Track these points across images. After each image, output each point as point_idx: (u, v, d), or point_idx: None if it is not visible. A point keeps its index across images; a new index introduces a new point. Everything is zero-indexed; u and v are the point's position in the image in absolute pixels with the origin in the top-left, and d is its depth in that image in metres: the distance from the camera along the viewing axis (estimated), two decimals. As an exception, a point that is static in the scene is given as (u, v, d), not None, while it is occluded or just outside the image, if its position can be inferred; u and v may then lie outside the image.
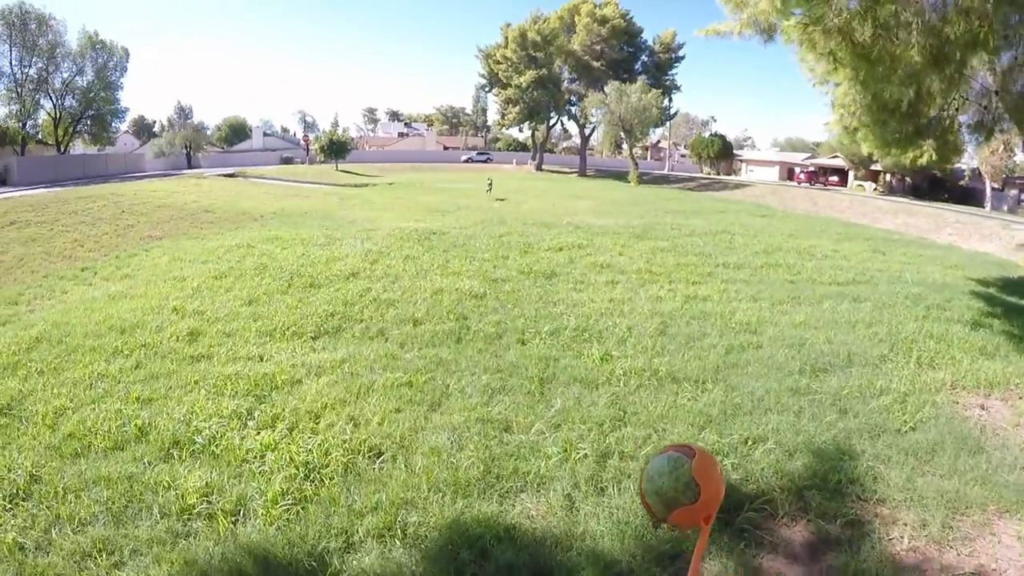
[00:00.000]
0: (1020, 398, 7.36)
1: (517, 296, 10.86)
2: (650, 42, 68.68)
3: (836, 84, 12.44)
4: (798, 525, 4.73)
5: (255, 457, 5.32)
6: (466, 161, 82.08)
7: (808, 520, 4.74)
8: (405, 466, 5.21)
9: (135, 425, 5.89)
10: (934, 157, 14.66)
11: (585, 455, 5.41)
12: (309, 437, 5.62)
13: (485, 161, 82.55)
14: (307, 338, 8.41)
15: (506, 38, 65.04)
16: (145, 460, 5.34)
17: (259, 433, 5.68)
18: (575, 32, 64.82)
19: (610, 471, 5.22)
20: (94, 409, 6.33)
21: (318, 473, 5.07)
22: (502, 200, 33.17)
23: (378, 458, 5.37)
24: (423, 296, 10.54)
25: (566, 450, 5.47)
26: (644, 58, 68.46)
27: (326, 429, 5.78)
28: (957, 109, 14.64)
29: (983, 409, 7.04)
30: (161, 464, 5.29)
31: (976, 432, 6.32)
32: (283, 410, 6.14)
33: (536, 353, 7.91)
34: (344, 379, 6.95)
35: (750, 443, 5.82)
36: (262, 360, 7.58)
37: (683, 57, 69.04)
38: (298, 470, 5.08)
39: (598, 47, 63.69)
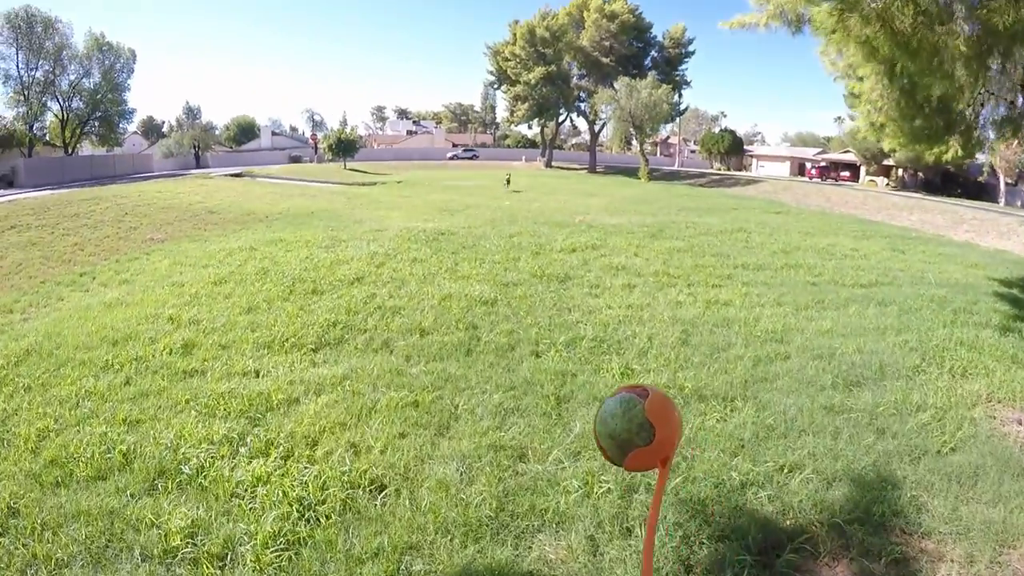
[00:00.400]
0: (1060, 412, 6.90)
1: (530, 302, 10.33)
2: (660, 37, 68.05)
3: (862, 78, 11.95)
4: (840, 565, 4.30)
5: (246, 491, 4.82)
6: (451, 158, 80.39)
7: (851, 559, 4.33)
8: (410, 502, 4.69)
9: (120, 451, 5.41)
10: (959, 153, 14.19)
11: (608, 489, 4.88)
12: (305, 468, 5.11)
13: (471, 158, 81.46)
14: (307, 350, 7.89)
15: (514, 35, 64.63)
16: (128, 492, 4.86)
17: (251, 462, 5.18)
18: (584, 28, 64.23)
19: (636, 508, 4.69)
20: (79, 431, 5.87)
21: (314, 511, 4.55)
22: (518, 192, 34.39)
23: (380, 493, 4.85)
24: (431, 303, 10.03)
25: (587, 483, 4.94)
26: (654, 53, 67.82)
27: (324, 458, 5.26)
28: (982, 104, 14.17)
29: (1021, 424, 6.63)
30: (145, 497, 4.82)
31: (1017, 451, 5.94)
32: (278, 434, 5.63)
33: (551, 367, 7.37)
34: (345, 398, 6.44)
35: (786, 471, 5.35)
36: (258, 376, 7.08)
37: (693, 52, 68.39)
38: (292, 507, 4.57)
39: (607, 43, 63.08)
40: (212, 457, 5.29)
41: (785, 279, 13.32)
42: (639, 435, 1.68)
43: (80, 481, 5.07)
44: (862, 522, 4.66)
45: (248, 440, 5.56)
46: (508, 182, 42.25)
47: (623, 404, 1.72)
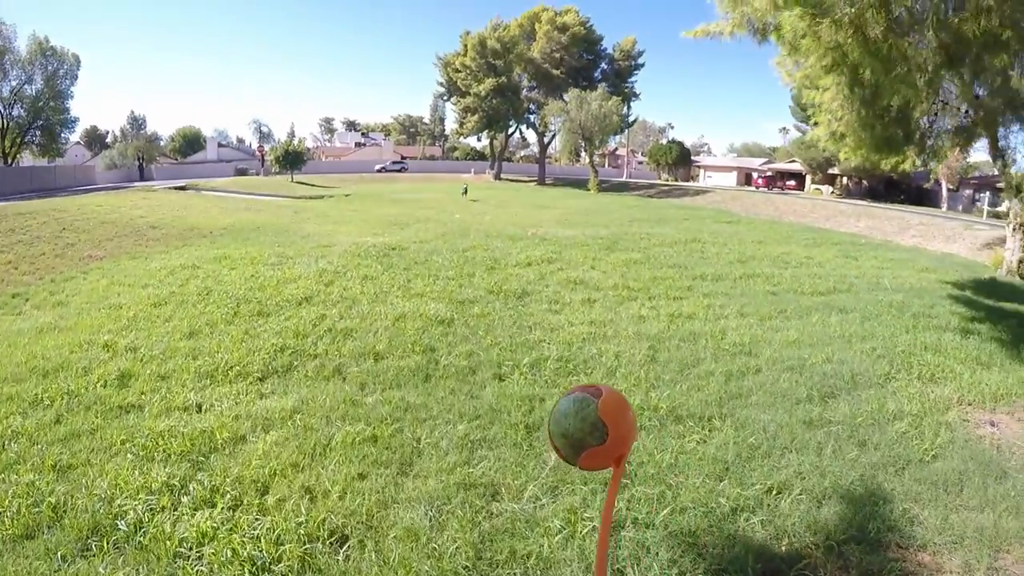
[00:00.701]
0: (1025, 409, 7.20)
1: (488, 321, 9.86)
2: (610, 50, 68.60)
3: (822, 88, 11.92)
4: (842, 588, 4.06)
5: (191, 550, 4.19)
6: (379, 170, 77.84)
7: None
8: (376, 555, 4.15)
9: (49, 504, 4.71)
10: (916, 163, 14.32)
11: (594, 527, 4.46)
12: (256, 519, 4.51)
13: (400, 170, 79.39)
14: (253, 379, 7.23)
15: (465, 46, 64.30)
16: (59, 554, 4.19)
17: (195, 514, 4.55)
18: (535, 40, 64.42)
19: (626, 547, 4.29)
20: (3, 481, 5.14)
21: (269, 572, 3.99)
22: (475, 201, 34.45)
23: (342, 545, 4.28)
24: (384, 324, 9.46)
25: (570, 521, 4.50)
26: (604, 66, 68.35)
27: (276, 507, 4.66)
28: (936, 114, 14.35)
29: (993, 426, 6.78)
30: (78, 560, 4.15)
31: (994, 453, 6.05)
32: (224, 480, 5.01)
33: (517, 392, 6.90)
34: (296, 434, 5.83)
35: (775, 493, 5.13)
36: (200, 411, 6.40)
37: (643, 64, 69.19)
38: (243, 568, 3.98)
39: (558, 55, 63.34)
40: (151, 509, 4.65)
41: (745, 289, 13.20)
42: (592, 435, 1.68)
43: (5, 541, 4.40)
44: (858, 540, 4.55)
45: (191, 488, 4.91)
46: (466, 192, 44.38)
47: (576, 404, 1.72)
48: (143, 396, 6.78)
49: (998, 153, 16.75)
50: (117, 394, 6.83)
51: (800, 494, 5.09)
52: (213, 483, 4.99)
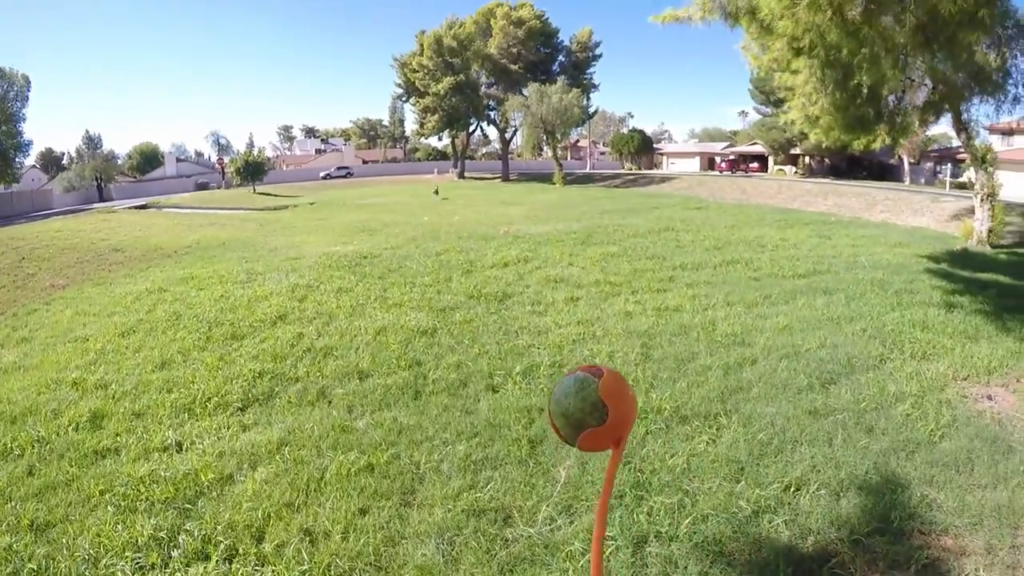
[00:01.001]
0: (1018, 380, 7.35)
1: (472, 328, 9.53)
2: (567, 42, 68.45)
3: (795, 71, 11.81)
4: (873, 582, 3.98)
5: None
6: (324, 177, 74.80)
7: (882, 573, 4.13)
8: (388, 601, 3.85)
9: (30, 572, 4.30)
10: (887, 140, 14.35)
11: (617, 547, 4.21)
12: (255, 570, 4.14)
13: (345, 176, 76.56)
14: (234, 410, 6.80)
15: (421, 45, 63.65)
16: None
17: (188, 570, 4.16)
18: (491, 35, 64.05)
19: (654, 565, 4.06)
20: None
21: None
22: (446, 199, 33.71)
23: (352, 594, 3.96)
24: (365, 339, 9.07)
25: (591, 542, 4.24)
26: (562, 58, 68.21)
27: (276, 554, 4.29)
28: (903, 91, 14.39)
29: (991, 400, 6.85)
30: None
31: (996, 428, 6.10)
32: (215, 528, 4.61)
33: (513, 404, 6.59)
34: (287, 469, 5.44)
35: (793, 490, 5.02)
36: (181, 450, 5.97)
37: (600, 55, 69.20)
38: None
39: (515, 49, 63.07)
40: (141, 568, 4.25)
41: (727, 277, 13.09)
42: (592, 415, 1.65)
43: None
44: (881, 532, 4.49)
45: (181, 539, 4.50)
46: (437, 192, 46.37)
47: (577, 383, 1.69)
48: (118, 438, 6.32)
49: (961, 126, 16.94)
50: (91, 437, 6.36)
51: (818, 489, 5.00)
52: (204, 532, 4.61)
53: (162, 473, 5.46)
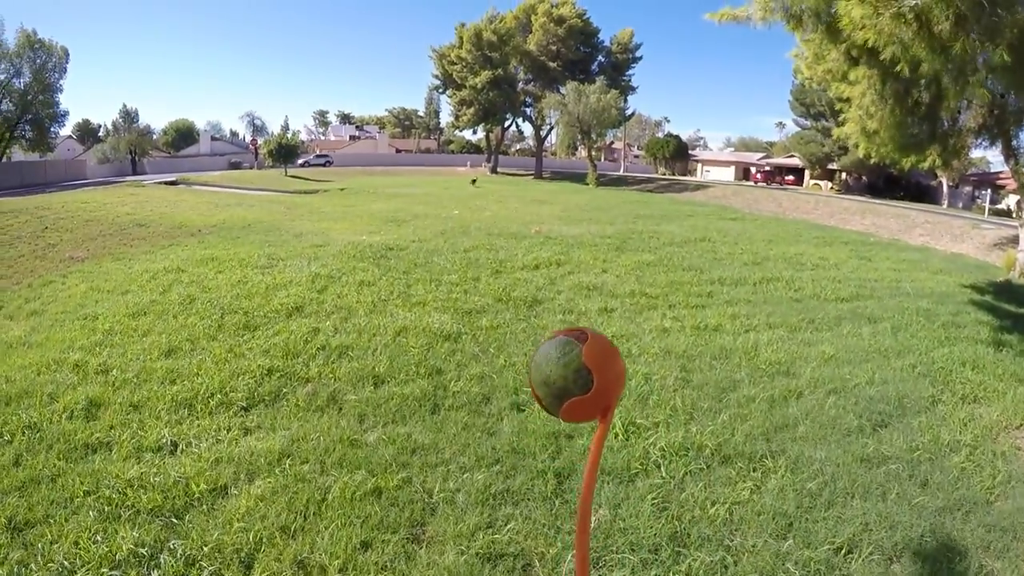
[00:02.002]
0: (1074, 435, 6.76)
1: (499, 335, 8.94)
2: (607, 42, 67.73)
3: (852, 82, 11.16)
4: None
5: None
6: (303, 165, 68.92)
7: None
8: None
9: None
10: (938, 162, 13.68)
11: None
12: (236, 606, 3.65)
13: (324, 165, 71.81)
14: (237, 410, 6.30)
15: (461, 38, 63.37)
16: None
17: None
18: (531, 32, 63.63)
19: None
20: None
21: None
22: (479, 188, 33.03)
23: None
24: (383, 340, 8.50)
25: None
26: (601, 58, 67.58)
27: None
28: (959, 111, 13.72)
29: None
30: None
31: None
32: (201, 548, 4.09)
33: (539, 427, 6.00)
34: (286, 485, 4.90)
35: (844, 552, 4.44)
36: (176, 451, 5.48)
37: (640, 58, 68.52)
38: None
39: (554, 47, 62.50)
40: (114, 589, 3.78)
41: (767, 296, 12.45)
42: (575, 382, 1.53)
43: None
44: None
45: (162, 559, 4.00)
46: (474, 182, 49.86)
47: (559, 348, 1.57)
48: (112, 431, 5.85)
49: (1011, 152, 16.25)
50: (84, 428, 5.89)
51: (871, 553, 4.44)
52: (188, 552, 4.09)
53: (152, 477, 4.96)
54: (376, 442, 5.67)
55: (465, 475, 5.15)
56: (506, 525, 4.49)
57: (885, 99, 10.62)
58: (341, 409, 6.41)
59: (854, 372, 8.17)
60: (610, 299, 11.30)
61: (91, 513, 4.55)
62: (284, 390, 6.81)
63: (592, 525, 4.50)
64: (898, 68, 7.94)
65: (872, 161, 14.87)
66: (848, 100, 12.26)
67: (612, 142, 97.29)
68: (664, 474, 5.31)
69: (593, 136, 59.57)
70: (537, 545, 4.28)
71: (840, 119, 12.83)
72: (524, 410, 6.48)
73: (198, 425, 5.96)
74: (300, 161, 69.88)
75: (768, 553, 4.35)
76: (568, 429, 5.92)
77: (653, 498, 4.92)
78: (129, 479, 4.97)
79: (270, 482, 4.93)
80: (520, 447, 5.62)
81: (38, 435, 5.78)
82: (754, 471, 5.50)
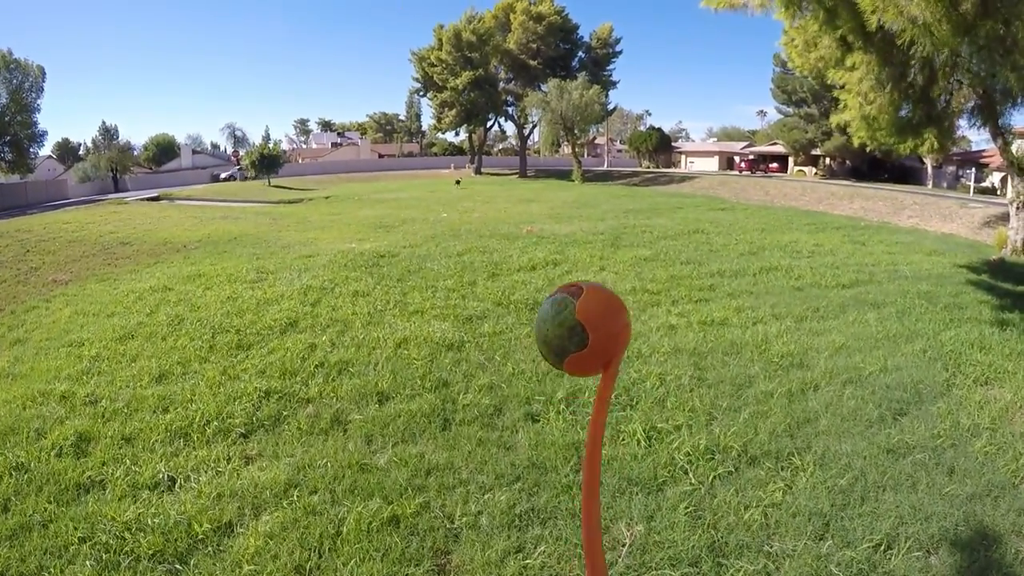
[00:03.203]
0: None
1: (503, 342, 8.65)
2: (587, 38, 67.62)
3: (852, 67, 11.00)
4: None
5: None
6: (226, 180, 63.80)
7: None
8: None
9: None
10: (935, 145, 13.61)
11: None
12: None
13: (246, 178, 64.57)
14: (236, 437, 5.95)
15: (440, 40, 63.08)
16: None
17: None
18: (511, 31, 63.37)
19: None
20: None
21: None
22: (463, 189, 32.74)
23: None
24: (384, 353, 8.16)
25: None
26: (581, 54, 67.45)
27: None
28: (951, 93, 13.68)
29: None
30: None
31: None
32: None
33: (558, 438, 5.70)
34: (296, 519, 4.56)
35: (884, 548, 4.31)
36: (173, 488, 5.13)
37: (620, 52, 68.43)
38: None
39: (534, 45, 62.27)
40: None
41: (768, 286, 12.27)
42: (571, 340, 1.48)
43: None
44: None
45: None
46: (458, 182, 51.00)
47: (554, 306, 1.53)
48: (104, 468, 5.49)
49: (999, 131, 16.28)
50: (74, 466, 5.54)
51: (910, 547, 4.32)
52: (193, 603, 3.78)
53: (150, 519, 4.61)
54: (387, 465, 5.34)
55: (486, 495, 4.84)
56: (536, 548, 4.20)
57: (883, 84, 10.45)
58: (346, 430, 6.09)
59: (866, 360, 8.02)
60: (612, 297, 11.05)
61: (88, 563, 4.21)
62: (284, 413, 6.48)
63: (627, 542, 4.24)
64: (912, 52, 7.76)
65: (868, 148, 14.75)
66: (843, 87, 12.14)
67: (595, 137, 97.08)
68: (693, 480, 5.07)
69: (576, 132, 59.34)
70: (572, 568, 4.00)
71: (840, 105, 12.65)
72: (539, 420, 6.19)
73: (195, 456, 5.62)
74: (223, 175, 67.49)
75: (809, 556, 4.16)
76: (586, 437, 5.65)
77: (686, 507, 4.67)
78: (126, 521, 4.63)
79: (278, 516, 4.60)
80: (540, 461, 5.33)
81: (27, 476, 5.42)
82: (783, 470, 5.31)
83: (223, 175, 65.54)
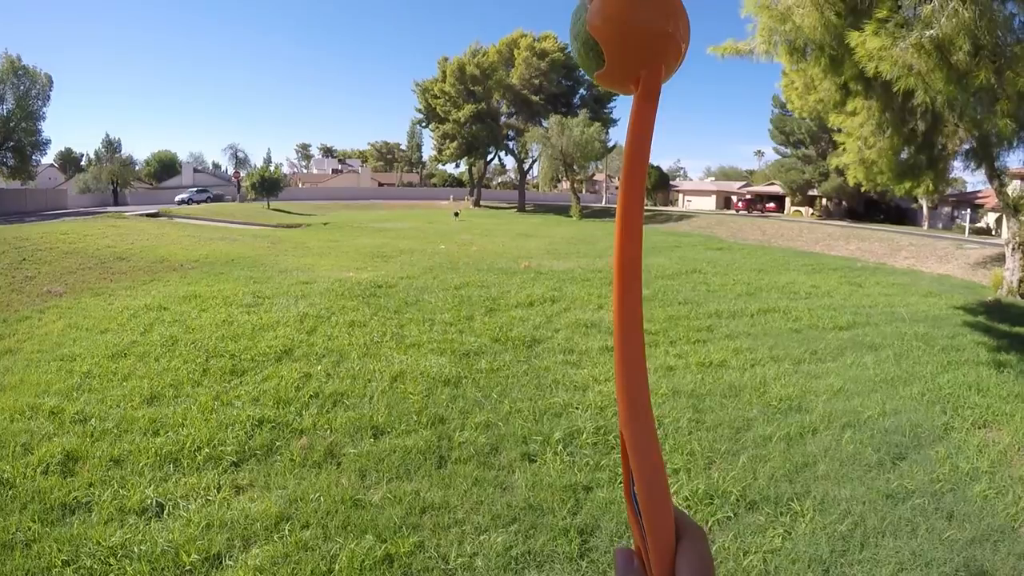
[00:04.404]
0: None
1: (501, 379, 8.56)
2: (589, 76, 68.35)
3: (852, 114, 11.12)
4: None
5: None
6: (182, 203, 59.72)
7: None
8: None
9: None
10: (931, 187, 13.71)
11: None
12: None
13: (207, 200, 63.75)
14: (227, 465, 5.84)
15: (444, 72, 63.74)
16: None
17: None
18: (514, 66, 63.98)
19: None
20: None
21: None
22: (462, 221, 33.61)
23: None
24: (380, 386, 8.07)
25: None
26: (583, 91, 67.95)
27: None
28: (948, 138, 13.82)
29: None
30: None
31: None
32: None
33: (555, 479, 5.62)
34: (287, 554, 4.45)
35: None
36: (162, 513, 5.02)
37: (622, 90, 68.83)
38: None
39: (537, 81, 62.86)
40: None
41: (766, 327, 12.23)
42: (589, 56, 0.86)
43: None
44: None
45: None
46: (457, 215, 50.39)
47: (576, 13, 0.90)
48: (91, 490, 5.39)
49: (994, 173, 16.43)
50: (61, 485, 5.44)
51: None
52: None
53: (137, 547, 4.51)
54: (382, 501, 5.23)
55: (482, 537, 4.75)
56: (532, 594, 4.10)
57: (883, 128, 10.56)
58: (340, 464, 5.98)
59: (864, 403, 8.02)
60: (610, 337, 10.89)
61: (70, 588, 4.11)
62: (277, 443, 6.37)
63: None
64: (913, 99, 7.85)
65: (864, 189, 14.87)
66: (841, 130, 12.24)
67: (593, 174, 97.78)
68: (690, 526, 4.97)
69: (576, 169, 59.68)
70: (567, 616, 3.90)
71: (839, 148, 12.76)
72: (536, 460, 6.10)
73: (185, 483, 5.52)
74: (178, 198, 63.56)
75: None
76: (585, 481, 5.56)
77: (683, 553, 4.57)
78: (112, 547, 4.54)
79: (269, 550, 4.49)
80: (537, 503, 5.23)
81: (11, 492, 5.34)
82: (782, 515, 5.26)
83: (178, 197, 63.15)
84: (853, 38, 7.03)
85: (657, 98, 1.02)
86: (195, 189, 68.74)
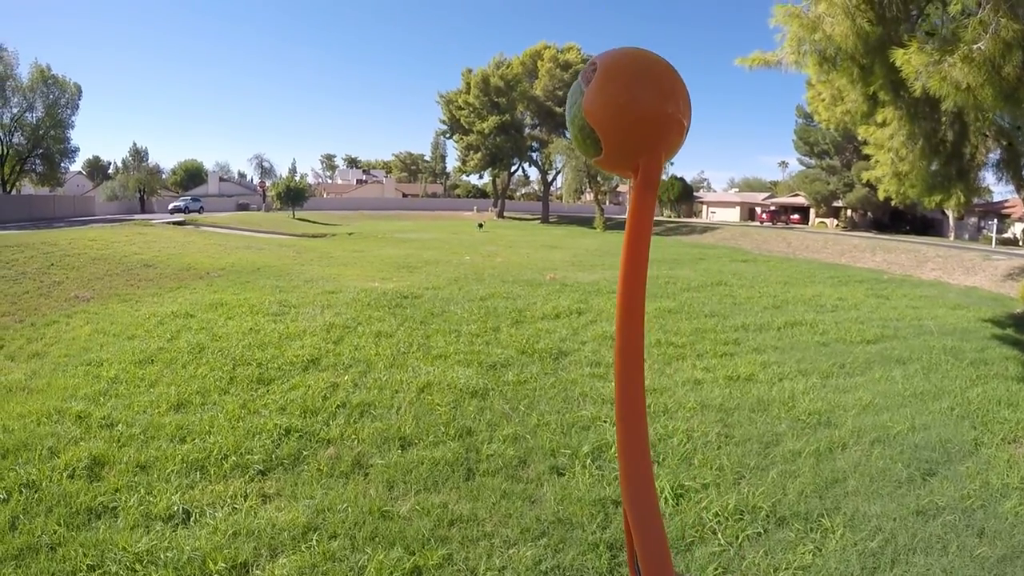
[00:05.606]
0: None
1: (528, 391, 8.52)
2: (612, 86, 68.50)
3: (882, 125, 10.99)
4: None
5: None
6: (174, 210, 60.31)
7: None
8: None
9: None
10: (962, 199, 13.54)
11: None
12: None
13: (199, 211, 62.37)
14: (254, 474, 5.86)
15: (468, 83, 64.16)
16: None
17: None
18: (537, 77, 64.22)
19: None
20: None
21: None
22: (486, 232, 32.69)
23: None
24: (407, 397, 8.06)
25: None
26: (606, 102, 68.04)
27: None
28: (977, 148, 13.65)
29: None
30: None
31: None
32: None
33: (584, 494, 5.56)
34: (315, 565, 4.43)
35: None
36: (188, 521, 5.05)
37: (645, 101, 68.88)
38: None
39: (560, 92, 63.06)
40: None
41: (794, 341, 12.08)
42: (587, 144, 1.01)
43: None
44: None
45: None
46: (481, 226, 51.44)
47: (572, 95, 1.02)
48: (118, 494, 5.43)
49: (1021, 183, 16.17)
50: (86, 490, 5.48)
51: None
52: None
53: (163, 554, 4.53)
54: (409, 513, 5.21)
55: (511, 550, 4.71)
56: (561, 609, 4.05)
57: (915, 139, 10.42)
58: (367, 475, 5.96)
59: (894, 418, 7.90)
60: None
61: (96, 593, 4.14)
62: (304, 452, 6.38)
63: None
64: (943, 107, 7.75)
65: (893, 201, 14.70)
66: (868, 142, 12.12)
67: (617, 186, 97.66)
68: (722, 540, 4.93)
69: (600, 180, 59.67)
70: (597, 633, 3.85)
71: (872, 161, 12.61)
72: (564, 474, 6.04)
73: (212, 491, 5.54)
74: (171, 206, 63.62)
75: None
76: (614, 495, 5.50)
77: (715, 569, 4.55)
78: (137, 553, 4.55)
79: (296, 560, 4.48)
80: (566, 516, 5.18)
81: (37, 495, 5.37)
82: (812, 531, 5.19)
83: (171, 205, 62.71)
84: (898, 56, 6.94)
85: (657, 185, 1.03)
86: (190, 198, 69.92)
